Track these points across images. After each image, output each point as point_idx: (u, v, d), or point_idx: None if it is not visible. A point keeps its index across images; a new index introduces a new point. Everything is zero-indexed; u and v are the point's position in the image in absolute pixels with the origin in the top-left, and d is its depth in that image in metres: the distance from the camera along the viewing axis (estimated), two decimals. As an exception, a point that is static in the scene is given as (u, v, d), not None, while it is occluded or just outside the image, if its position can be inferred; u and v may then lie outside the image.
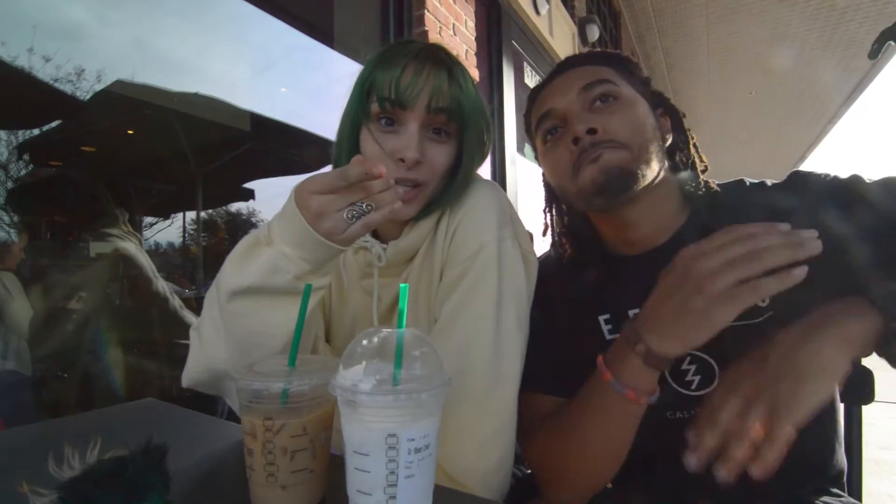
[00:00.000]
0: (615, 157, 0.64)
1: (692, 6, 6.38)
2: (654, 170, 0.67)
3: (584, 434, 0.60)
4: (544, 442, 0.65)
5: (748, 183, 0.71)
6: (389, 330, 0.42)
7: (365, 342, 0.43)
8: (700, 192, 0.71)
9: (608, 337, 0.71)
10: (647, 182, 0.66)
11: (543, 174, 0.81)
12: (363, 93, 0.65)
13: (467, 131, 0.66)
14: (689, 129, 0.74)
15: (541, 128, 0.72)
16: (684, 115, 0.76)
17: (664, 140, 0.71)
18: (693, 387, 0.64)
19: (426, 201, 0.66)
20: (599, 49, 0.76)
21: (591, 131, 0.64)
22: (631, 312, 0.68)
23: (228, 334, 0.58)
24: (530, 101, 0.77)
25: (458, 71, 0.66)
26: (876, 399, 0.77)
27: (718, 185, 0.72)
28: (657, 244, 0.70)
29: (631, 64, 0.73)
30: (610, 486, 0.72)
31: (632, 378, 0.55)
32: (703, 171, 0.73)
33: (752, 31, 6.88)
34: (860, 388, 0.79)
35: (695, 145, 0.74)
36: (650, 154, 0.66)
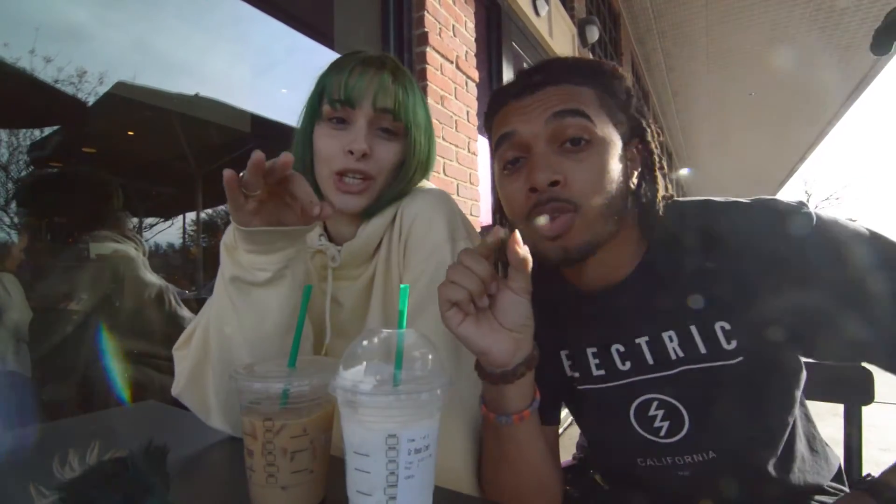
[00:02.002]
0: (577, 239, 0.58)
1: (692, 8, 6.39)
2: (614, 226, 0.60)
3: (501, 466, 0.61)
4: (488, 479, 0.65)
5: (714, 205, 0.63)
6: (390, 331, 0.43)
7: (365, 343, 0.43)
8: (659, 223, 0.63)
9: (569, 373, 0.68)
10: (607, 242, 0.60)
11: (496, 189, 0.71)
12: (317, 97, 0.71)
13: (412, 131, 0.70)
14: (661, 157, 0.66)
15: (500, 150, 0.63)
16: (661, 138, 0.68)
17: (630, 181, 0.63)
18: (662, 433, 0.61)
19: (376, 195, 0.70)
20: (584, 59, 0.65)
21: (554, 184, 0.57)
22: (589, 350, 0.66)
23: (239, 313, 0.60)
24: (494, 104, 0.67)
25: (402, 76, 0.70)
26: (876, 400, 0.77)
27: (682, 206, 0.65)
28: (615, 281, 0.64)
29: (616, 80, 0.64)
30: (607, 488, 0.72)
31: (508, 404, 0.56)
32: (668, 199, 0.65)
33: (752, 33, 6.89)
34: (860, 390, 0.79)
35: (662, 172, 0.66)
36: (614, 208, 0.59)
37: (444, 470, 0.59)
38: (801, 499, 0.64)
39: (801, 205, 0.57)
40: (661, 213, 0.63)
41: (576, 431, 0.81)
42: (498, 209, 0.71)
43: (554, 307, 0.67)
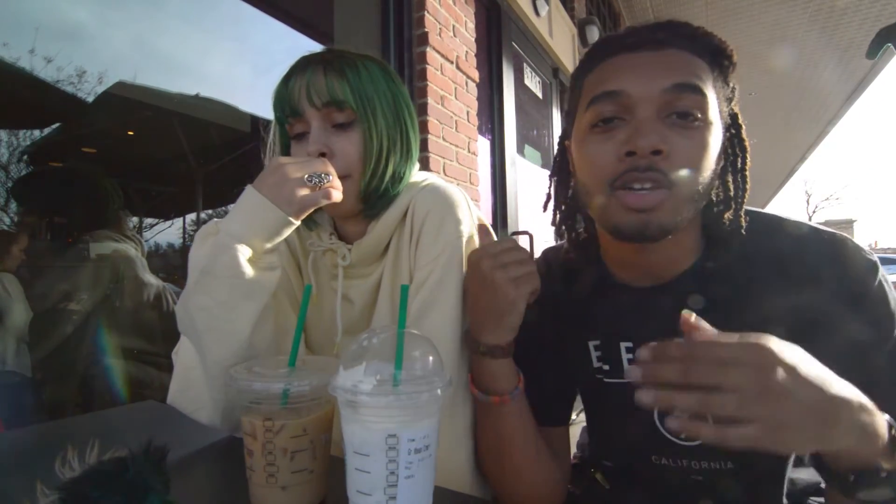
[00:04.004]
0: (662, 218, 0.54)
1: (692, 7, 6.39)
2: (694, 212, 0.57)
3: (489, 449, 0.64)
4: (481, 461, 0.67)
5: (784, 224, 0.60)
6: (390, 330, 0.42)
7: (365, 343, 0.43)
8: (724, 227, 0.60)
9: (595, 364, 0.66)
10: (680, 228, 0.56)
11: (564, 156, 0.68)
12: (279, 126, 0.71)
13: (365, 114, 0.66)
14: (748, 154, 0.62)
15: (597, 105, 0.57)
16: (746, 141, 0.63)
17: (717, 171, 0.59)
18: (683, 435, 0.58)
19: (356, 188, 0.67)
20: (711, 34, 0.59)
21: (656, 153, 0.53)
22: (622, 345, 0.63)
23: (195, 332, 0.59)
24: (600, 52, 0.60)
25: (340, 62, 0.66)
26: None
27: (749, 218, 0.60)
28: (663, 280, 0.62)
29: (732, 67, 0.59)
30: (608, 487, 0.72)
31: (491, 382, 0.61)
32: (742, 200, 0.61)
33: (752, 33, 6.89)
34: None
35: (745, 174, 0.61)
36: (701, 195, 0.56)
37: (445, 469, 0.60)
38: (800, 498, 0.63)
39: (870, 254, 0.55)
40: (742, 216, 0.59)
41: (576, 431, 0.81)
42: (559, 174, 0.70)
43: (588, 298, 0.68)
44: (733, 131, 0.61)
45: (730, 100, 0.60)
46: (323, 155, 0.64)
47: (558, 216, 0.71)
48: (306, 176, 0.58)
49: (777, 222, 0.60)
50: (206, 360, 0.59)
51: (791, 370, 0.39)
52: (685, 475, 0.61)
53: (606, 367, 0.65)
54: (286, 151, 0.71)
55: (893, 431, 0.44)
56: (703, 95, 0.54)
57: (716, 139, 0.55)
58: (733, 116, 0.61)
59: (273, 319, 0.62)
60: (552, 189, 0.72)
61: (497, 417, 0.63)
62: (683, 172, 0.53)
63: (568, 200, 0.70)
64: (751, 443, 0.39)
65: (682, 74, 0.54)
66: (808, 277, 0.55)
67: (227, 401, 0.60)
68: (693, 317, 0.44)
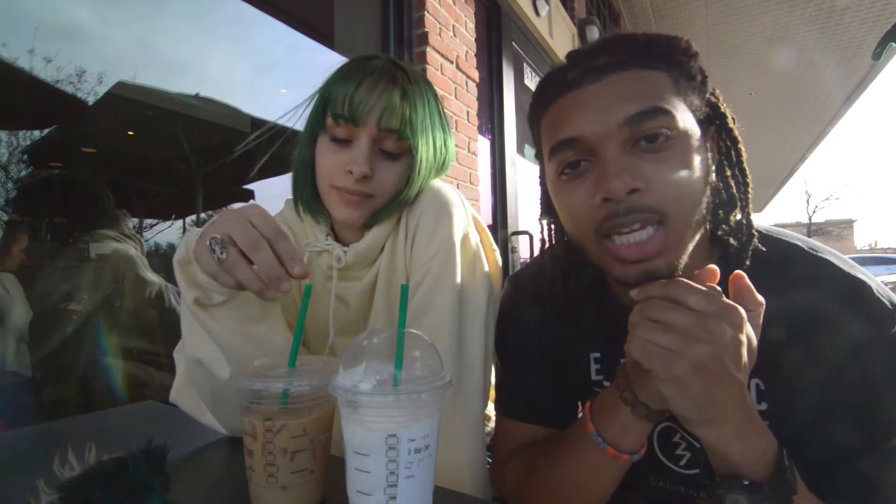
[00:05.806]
0: (666, 259, 0.49)
1: (692, 7, 6.39)
2: (696, 237, 0.52)
3: (560, 477, 0.57)
4: (519, 475, 0.63)
5: (804, 253, 0.54)
6: (389, 330, 0.42)
7: (365, 343, 0.43)
8: (733, 242, 0.55)
9: (594, 377, 0.65)
10: (689, 257, 0.52)
11: (548, 196, 0.62)
12: (321, 105, 0.67)
13: (419, 149, 0.67)
14: (741, 144, 0.56)
15: (558, 155, 0.53)
16: (735, 122, 0.57)
17: (710, 178, 0.54)
18: (682, 462, 0.58)
19: (373, 211, 0.67)
20: (656, 36, 0.54)
21: (633, 191, 0.48)
22: (623, 361, 0.59)
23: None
24: (546, 93, 0.56)
25: (414, 89, 0.67)
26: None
27: (765, 238, 0.56)
28: None
29: (692, 59, 0.53)
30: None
31: (618, 435, 0.51)
32: (746, 196, 0.56)
33: (752, 33, 6.89)
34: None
35: (742, 167, 0.56)
36: (701, 215, 0.51)
37: (445, 469, 0.60)
38: None
39: (890, 302, 0.51)
40: (750, 215, 0.54)
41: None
42: (548, 214, 0.64)
43: (591, 310, 0.64)
44: (717, 122, 0.56)
45: (702, 91, 0.54)
46: (365, 177, 0.64)
47: (558, 259, 0.66)
48: (210, 243, 0.49)
49: (795, 253, 0.55)
50: (185, 354, 0.61)
51: (734, 341, 0.42)
52: (684, 500, 0.60)
53: (607, 383, 0.64)
54: (312, 129, 0.69)
55: (784, 461, 0.45)
56: (666, 113, 0.49)
57: (695, 147, 0.51)
58: (713, 106, 0.56)
59: (253, 322, 0.61)
60: (545, 233, 0.66)
61: (601, 465, 0.53)
62: (671, 199, 0.49)
63: (563, 240, 0.65)
64: (653, 366, 0.43)
65: (635, 100, 0.49)
66: (819, 318, 0.51)
67: (213, 396, 0.61)
68: (744, 279, 0.46)
